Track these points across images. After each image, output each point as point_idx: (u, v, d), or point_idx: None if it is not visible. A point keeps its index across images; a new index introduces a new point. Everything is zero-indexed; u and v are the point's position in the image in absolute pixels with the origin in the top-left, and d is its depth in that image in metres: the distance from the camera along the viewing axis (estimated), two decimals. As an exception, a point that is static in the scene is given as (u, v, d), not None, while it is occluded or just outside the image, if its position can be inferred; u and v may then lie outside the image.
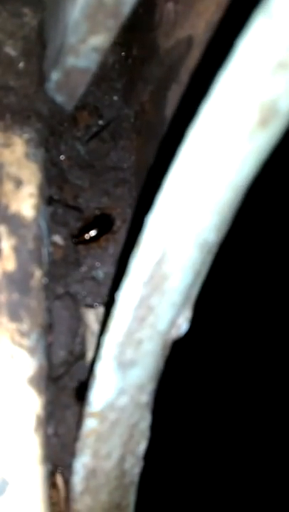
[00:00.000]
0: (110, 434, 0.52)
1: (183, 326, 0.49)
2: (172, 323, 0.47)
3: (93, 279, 0.67)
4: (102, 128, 0.70)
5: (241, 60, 0.29)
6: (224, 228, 0.42)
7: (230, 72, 0.30)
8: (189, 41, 0.56)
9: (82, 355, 0.65)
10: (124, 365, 0.48)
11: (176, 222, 0.39)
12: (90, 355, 0.64)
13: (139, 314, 0.44)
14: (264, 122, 0.32)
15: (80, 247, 0.67)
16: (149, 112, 0.67)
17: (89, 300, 0.66)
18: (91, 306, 0.66)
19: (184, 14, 0.57)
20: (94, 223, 0.68)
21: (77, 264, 0.67)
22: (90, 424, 0.51)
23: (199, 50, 0.54)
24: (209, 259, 0.45)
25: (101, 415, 0.51)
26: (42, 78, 0.62)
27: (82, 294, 0.66)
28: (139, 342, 0.46)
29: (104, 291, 0.67)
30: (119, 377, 0.48)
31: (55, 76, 0.61)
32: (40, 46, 0.63)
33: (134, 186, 0.69)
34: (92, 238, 0.67)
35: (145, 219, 0.40)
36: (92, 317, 0.65)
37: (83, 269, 0.67)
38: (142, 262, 0.41)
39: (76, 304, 0.65)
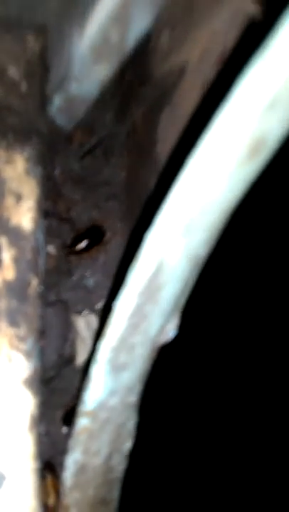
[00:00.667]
0: (101, 432, 0.55)
1: (171, 332, 0.53)
2: (162, 329, 0.51)
3: (84, 287, 0.71)
4: (96, 145, 0.73)
5: (239, 98, 0.34)
6: (212, 243, 0.46)
7: (229, 108, 0.35)
8: (183, 67, 0.59)
9: (71, 359, 0.68)
10: (116, 368, 0.51)
11: (172, 238, 0.43)
12: (79, 359, 0.68)
13: (134, 322, 0.48)
14: (253, 154, 0.37)
15: (72, 257, 0.70)
16: (140, 132, 0.70)
17: (79, 307, 0.70)
18: (81, 313, 0.70)
19: (179, 40, 0.60)
20: (85, 234, 0.71)
21: (69, 273, 0.70)
22: (82, 422, 0.54)
23: (193, 76, 0.58)
24: (197, 270, 0.49)
25: (93, 414, 0.54)
26: (44, 101, 0.65)
27: (73, 302, 0.70)
28: (132, 347, 0.50)
29: (95, 299, 0.70)
30: (112, 379, 0.52)
31: (57, 100, 0.64)
32: (42, 70, 0.66)
33: (124, 201, 0.73)
34: (83, 249, 0.70)
35: (143, 235, 0.44)
36: (82, 324, 0.69)
37: (74, 278, 0.71)
38: (139, 274, 0.45)
39: (67, 311, 0.69)
